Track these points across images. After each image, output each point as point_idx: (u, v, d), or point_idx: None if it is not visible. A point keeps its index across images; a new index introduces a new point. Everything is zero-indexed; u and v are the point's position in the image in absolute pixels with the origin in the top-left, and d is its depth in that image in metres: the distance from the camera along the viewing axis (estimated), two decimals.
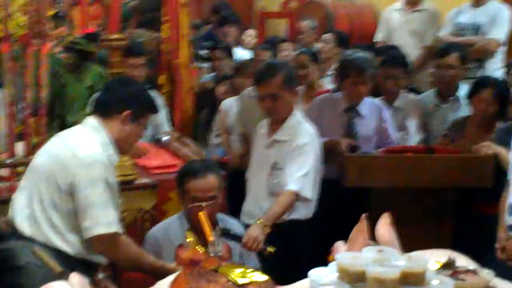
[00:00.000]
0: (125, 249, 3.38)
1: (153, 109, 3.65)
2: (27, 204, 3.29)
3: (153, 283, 3.19)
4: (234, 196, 4.64)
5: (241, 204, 4.56)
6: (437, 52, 5.68)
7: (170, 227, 3.90)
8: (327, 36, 6.99)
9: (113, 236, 3.30)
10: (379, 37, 7.02)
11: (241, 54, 7.11)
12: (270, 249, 3.89)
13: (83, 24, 9.11)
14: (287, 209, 4.20)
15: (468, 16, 6.33)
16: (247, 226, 4.09)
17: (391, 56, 5.64)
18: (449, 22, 6.46)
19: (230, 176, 4.89)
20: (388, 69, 5.39)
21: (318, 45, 7.07)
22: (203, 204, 3.74)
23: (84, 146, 3.29)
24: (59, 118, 6.31)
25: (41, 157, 3.38)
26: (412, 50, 6.49)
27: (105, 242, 3.29)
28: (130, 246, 3.42)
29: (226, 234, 3.82)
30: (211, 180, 3.82)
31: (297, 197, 4.22)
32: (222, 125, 6.07)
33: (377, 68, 5.10)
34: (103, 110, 3.44)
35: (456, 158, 4.68)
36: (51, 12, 4.97)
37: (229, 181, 4.64)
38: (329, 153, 4.73)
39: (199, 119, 6.57)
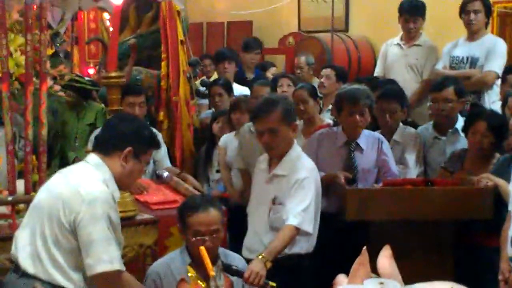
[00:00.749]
0: (127, 286, 3.38)
1: (155, 145, 3.66)
2: (29, 242, 3.29)
3: None
4: (234, 231, 4.65)
5: (241, 239, 4.56)
6: (434, 86, 5.71)
7: (172, 261, 3.89)
8: (328, 71, 7.03)
9: (116, 273, 3.30)
10: (378, 71, 7.07)
11: (240, 90, 7.13)
12: (272, 284, 3.88)
13: (82, 62, 9.18)
14: (288, 244, 4.21)
15: (464, 50, 6.38)
16: (248, 261, 4.09)
17: (388, 90, 5.67)
18: (445, 56, 6.51)
19: (231, 211, 4.90)
20: (385, 103, 5.41)
21: (318, 80, 7.10)
22: (206, 237, 3.75)
23: (87, 183, 3.30)
24: (59, 156, 6.33)
25: (43, 194, 3.38)
26: (410, 84, 6.54)
27: (108, 279, 3.29)
28: (132, 283, 3.43)
29: (228, 269, 3.82)
30: (213, 214, 3.82)
31: (297, 231, 4.23)
32: (221, 161, 6.10)
33: (373, 100, 5.13)
34: (105, 147, 3.45)
35: (455, 190, 4.69)
36: (50, 51, 5.02)
37: (230, 216, 4.65)
38: (328, 187, 4.75)
39: (198, 155, 6.59)
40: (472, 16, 6.28)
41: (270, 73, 8.16)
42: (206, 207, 3.83)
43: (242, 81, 7.47)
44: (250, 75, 8.00)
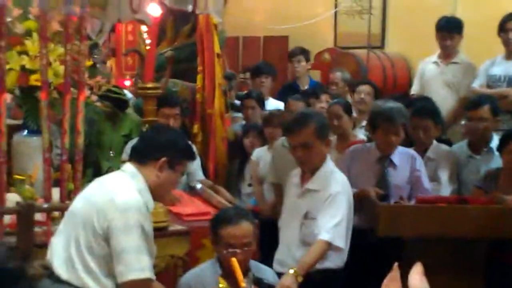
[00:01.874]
0: None
1: (190, 156, 3.68)
2: (64, 248, 3.33)
3: None
4: (266, 244, 4.66)
5: (272, 253, 4.57)
6: (469, 104, 5.68)
7: (203, 273, 3.91)
8: (366, 87, 6.96)
9: (146, 282, 3.33)
10: (415, 89, 7.05)
11: (275, 104, 7.15)
12: None
13: (118, 74, 9.28)
14: (319, 259, 4.21)
15: (501, 68, 6.34)
16: (279, 275, 4.10)
17: (422, 107, 5.64)
18: (482, 74, 6.47)
19: (262, 225, 4.91)
20: (419, 120, 5.39)
21: (354, 96, 7.05)
22: (238, 250, 3.76)
23: (122, 192, 3.33)
24: (94, 165, 6.39)
25: (79, 202, 3.43)
26: (447, 102, 6.51)
27: (137, 287, 3.32)
28: None
29: (259, 282, 3.83)
30: (245, 227, 3.84)
31: (329, 246, 4.23)
32: (254, 175, 6.12)
33: (408, 118, 5.12)
34: (140, 157, 3.48)
35: (489, 209, 4.66)
36: (89, 63, 5.09)
37: (261, 229, 4.66)
38: (361, 202, 4.74)
39: (231, 168, 6.61)
40: (511, 35, 6.25)
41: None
42: (238, 220, 3.84)
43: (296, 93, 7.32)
44: (303, 86, 7.96)
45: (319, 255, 4.21)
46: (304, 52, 8.20)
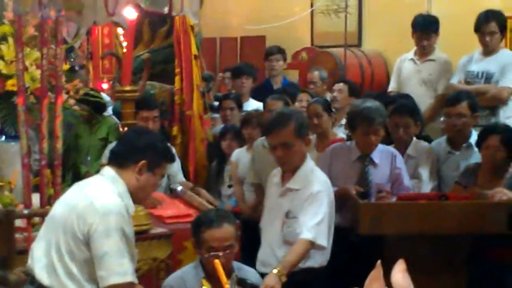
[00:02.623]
0: None
1: (169, 159, 3.66)
2: (45, 254, 3.30)
3: None
4: (247, 244, 4.65)
5: (254, 253, 4.56)
6: (447, 100, 5.70)
7: (186, 276, 3.90)
8: (340, 85, 7.01)
9: (128, 286, 3.30)
10: (392, 87, 7.07)
11: (256, 105, 7.14)
12: None
13: (96, 77, 9.23)
14: (302, 258, 4.20)
15: (479, 65, 6.35)
16: (262, 275, 4.09)
17: (401, 104, 5.66)
18: (460, 70, 6.50)
19: (243, 225, 4.91)
20: (399, 118, 5.41)
21: (330, 95, 7.10)
22: (220, 253, 3.75)
23: (102, 196, 3.31)
24: (73, 169, 6.36)
25: (59, 207, 3.40)
26: (424, 99, 6.53)
27: None
28: None
29: (243, 283, 3.82)
30: (227, 230, 3.83)
31: (312, 245, 4.23)
32: (233, 176, 6.11)
33: (387, 116, 5.13)
34: (119, 160, 3.46)
35: (470, 205, 4.68)
36: (66, 66, 5.06)
37: (242, 229, 4.65)
38: (341, 201, 4.75)
39: (210, 170, 6.61)
40: (488, 38, 6.25)
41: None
42: (220, 223, 3.83)
43: (270, 93, 7.33)
44: (276, 85, 7.96)
45: (302, 254, 4.20)
46: (281, 51, 8.20)
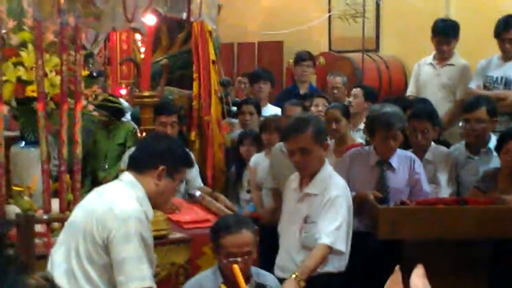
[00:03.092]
0: None
1: (188, 164, 3.67)
2: (64, 259, 3.32)
3: None
4: (265, 249, 4.65)
5: (272, 258, 4.56)
6: (466, 105, 5.67)
7: (205, 281, 3.90)
8: (356, 90, 7.03)
9: None
10: (411, 91, 7.05)
11: (274, 110, 7.15)
12: None
13: (114, 83, 9.27)
14: (321, 263, 4.20)
15: (499, 70, 6.32)
16: (280, 280, 4.10)
17: (420, 109, 5.65)
18: (479, 74, 6.46)
19: (262, 230, 4.91)
20: (417, 122, 5.39)
21: (348, 99, 7.11)
22: (238, 259, 3.75)
23: (121, 201, 3.32)
24: (91, 175, 6.39)
25: (79, 212, 3.41)
26: (442, 104, 6.51)
27: None
28: None
29: None
30: (246, 236, 3.83)
31: (330, 250, 4.22)
32: (252, 181, 6.12)
33: (405, 121, 5.12)
34: (138, 166, 3.47)
35: (489, 210, 4.66)
36: (85, 72, 5.08)
37: (261, 235, 4.66)
38: (360, 206, 4.74)
39: (229, 175, 6.61)
40: (508, 45, 6.22)
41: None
42: (239, 229, 3.84)
43: (294, 97, 7.35)
44: (303, 90, 7.94)
45: (321, 259, 4.20)
46: (311, 57, 8.19)
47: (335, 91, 7.65)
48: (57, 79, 4.34)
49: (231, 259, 3.76)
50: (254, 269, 3.95)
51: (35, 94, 4.17)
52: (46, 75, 4.29)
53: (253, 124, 6.72)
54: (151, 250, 3.39)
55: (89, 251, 3.27)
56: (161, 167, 3.42)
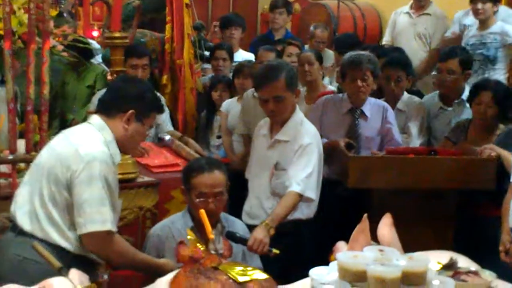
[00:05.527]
0: (117, 247, 3.32)
1: (158, 109, 3.61)
2: (28, 200, 3.28)
3: (143, 281, 3.18)
4: (234, 195, 4.63)
5: (240, 204, 4.54)
6: (440, 55, 5.67)
7: (173, 224, 3.88)
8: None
9: (106, 234, 3.24)
10: (386, 40, 7.02)
11: (245, 56, 7.09)
12: (276, 251, 3.88)
13: (86, 25, 9.13)
14: (291, 210, 4.19)
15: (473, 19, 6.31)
16: (248, 226, 4.09)
17: (394, 57, 5.63)
18: (456, 23, 6.46)
19: (231, 176, 4.88)
20: (390, 71, 5.37)
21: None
22: (209, 199, 3.75)
23: (87, 143, 3.27)
24: (59, 116, 6.32)
25: (45, 153, 3.36)
26: (418, 53, 6.51)
27: (98, 239, 3.24)
28: (123, 246, 3.36)
29: (232, 236, 3.80)
30: (217, 176, 3.83)
31: (300, 198, 4.21)
32: (223, 126, 6.08)
33: (377, 66, 5.08)
34: (107, 109, 3.41)
35: (459, 160, 4.67)
36: (54, 12, 4.98)
37: (230, 181, 4.63)
38: (330, 153, 4.73)
39: (199, 120, 6.57)
40: (480, 5, 6.18)
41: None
42: (211, 169, 3.83)
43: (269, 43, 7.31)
44: (278, 36, 7.90)
45: (291, 207, 4.18)
46: (287, 4, 8.12)
47: (321, 46, 7.58)
48: (25, 17, 4.26)
49: (202, 199, 3.74)
50: (223, 215, 3.94)
51: (1, 32, 4.08)
52: (14, 12, 4.20)
53: (225, 69, 6.67)
54: (115, 195, 3.35)
55: (52, 192, 3.23)
56: (130, 111, 3.37)
